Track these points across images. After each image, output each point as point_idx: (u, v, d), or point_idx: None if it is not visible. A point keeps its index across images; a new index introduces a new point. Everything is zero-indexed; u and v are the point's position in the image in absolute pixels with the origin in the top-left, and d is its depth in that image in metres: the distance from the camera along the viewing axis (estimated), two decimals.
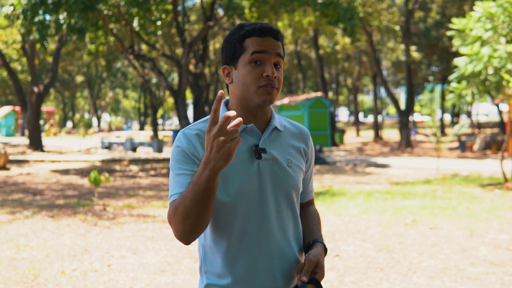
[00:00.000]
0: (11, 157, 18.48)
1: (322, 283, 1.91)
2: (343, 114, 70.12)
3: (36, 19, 14.10)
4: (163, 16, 16.40)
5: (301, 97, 26.57)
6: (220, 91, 1.41)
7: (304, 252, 1.74)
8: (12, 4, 14.25)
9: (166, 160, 19.01)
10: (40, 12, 14.12)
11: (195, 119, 20.47)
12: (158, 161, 18.94)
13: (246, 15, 16.20)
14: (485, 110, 59.79)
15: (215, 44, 31.46)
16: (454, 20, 10.71)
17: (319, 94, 25.86)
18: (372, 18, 24.87)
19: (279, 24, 22.05)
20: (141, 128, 50.86)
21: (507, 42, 10.26)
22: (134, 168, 16.60)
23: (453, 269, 5.08)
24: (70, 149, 25.29)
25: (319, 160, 17.94)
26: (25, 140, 30.97)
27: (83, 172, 14.92)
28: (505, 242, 6.14)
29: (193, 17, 31.42)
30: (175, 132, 30.08)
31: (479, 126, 38.30)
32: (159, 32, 17.41)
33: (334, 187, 11.49)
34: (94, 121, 59.47)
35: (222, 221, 1.63)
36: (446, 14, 29.36)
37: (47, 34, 14.38)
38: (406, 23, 26.72)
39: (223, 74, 1.70)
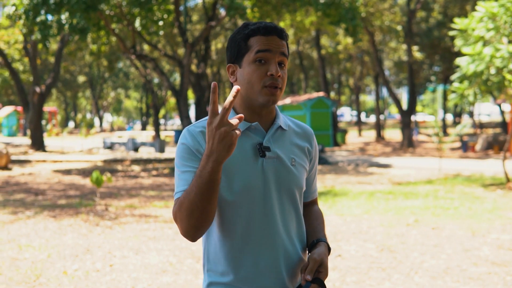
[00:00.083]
0: (13, 157, 18.51)
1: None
2: (347, 114, 69.94)
3: (38, 19, 14.12)
4: (165, 16, 16.41)
5: (303, 97, 26.57)
6: (214, 83, 1.42)
7: (308, 251, 1.74)
8: (14, 4, 14.27)
9: (168, 160, 19.02)
10: (42, 12, 14.15)
11: (197, 119, 20.47)
12: (160, 161, 18.94)
13: (248, 15, 16.21)
14: (487, 110, 59.61)
15: (217, 44, 31.46)
16: (456, 20, 10.71)
17: (321, 94, 25.84)
18: (374, 18, 24.85)
19: (281, 24, 22.05)
20: (143, 128, 50.96)
21: (509, 42, 10.24)
22: (136, 168, 16.61)
23: (455, 269, 5.07)
24: (72, 149, 25.29)
25: (321, 160, 17.95)
26: (27, 140, 30.97)
27: (85, 172, 14.93)
28: (507, 242, 6.13)
29: (195, 17, 31.40)
30: (177, 132, 30.11)
31: (481, 126, 38.26)
32: (161, 32, 17.41)
33: (336, 187, 11.49)
34: (96, 121, 59.44)
35: (226, 219, 1.63)
36: (448, 14, 29.33)
37: (49, 34, 14.41)
38: (408, 23, 26.70)
39: (228, 73, 1.70)
